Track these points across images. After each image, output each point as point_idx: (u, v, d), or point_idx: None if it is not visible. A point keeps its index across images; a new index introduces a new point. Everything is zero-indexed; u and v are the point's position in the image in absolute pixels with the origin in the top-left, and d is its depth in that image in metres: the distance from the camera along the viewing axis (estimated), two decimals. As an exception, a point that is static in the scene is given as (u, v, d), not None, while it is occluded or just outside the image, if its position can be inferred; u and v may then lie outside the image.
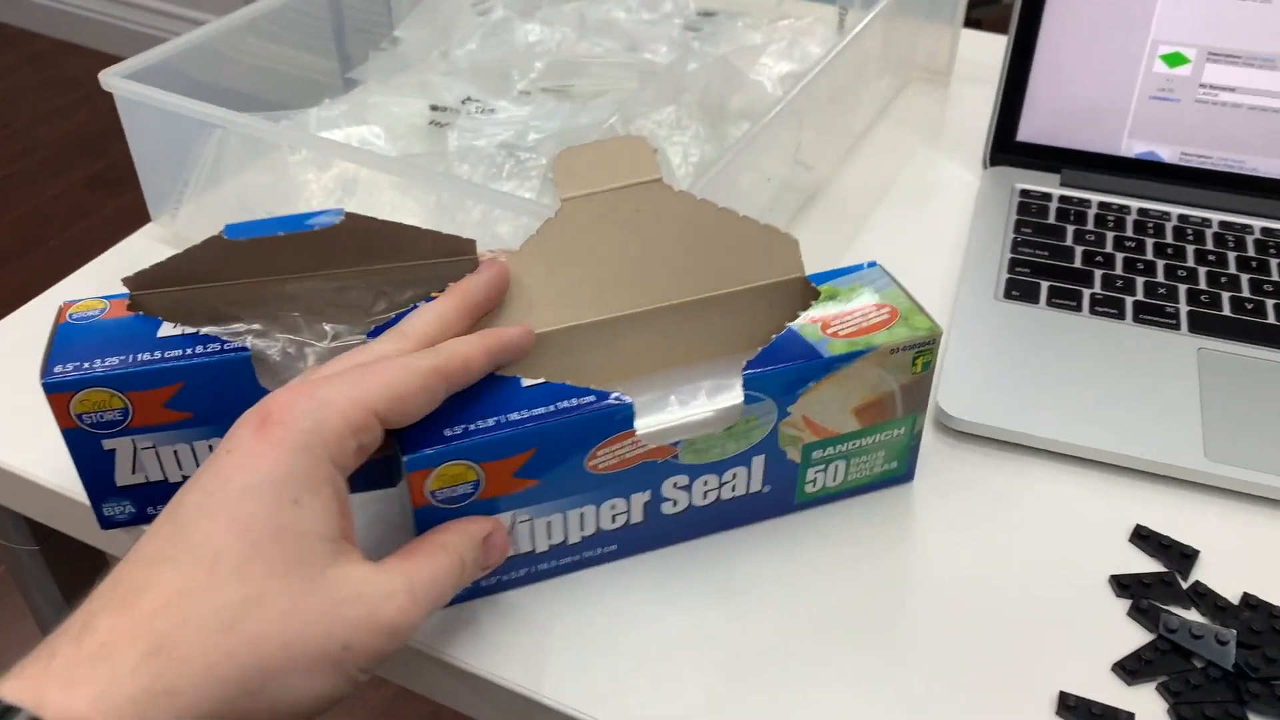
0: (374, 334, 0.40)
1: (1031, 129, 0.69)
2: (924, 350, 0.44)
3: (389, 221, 0.40)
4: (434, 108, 0.67)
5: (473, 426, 0.38)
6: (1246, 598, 0.44)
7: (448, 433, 0.38)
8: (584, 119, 0.62)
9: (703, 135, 0.64)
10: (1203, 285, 0.59)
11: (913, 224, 0.68)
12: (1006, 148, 0.70)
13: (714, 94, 0.66)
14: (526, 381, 0.40)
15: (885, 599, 0.44)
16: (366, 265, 0.42)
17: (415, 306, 0.41)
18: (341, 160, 0.58)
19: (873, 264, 0.47)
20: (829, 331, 0.43)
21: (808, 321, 0.44)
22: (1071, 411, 0.51)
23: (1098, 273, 0.60)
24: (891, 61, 0.81)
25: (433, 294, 0.42)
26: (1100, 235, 0.63)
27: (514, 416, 0.39)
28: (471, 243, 0.42)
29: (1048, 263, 0.61)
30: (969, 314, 0.58)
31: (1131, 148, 0.67)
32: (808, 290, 0.46)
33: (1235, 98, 0.65)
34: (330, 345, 0.43)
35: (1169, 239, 0.63)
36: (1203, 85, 0.65)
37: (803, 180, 0.69)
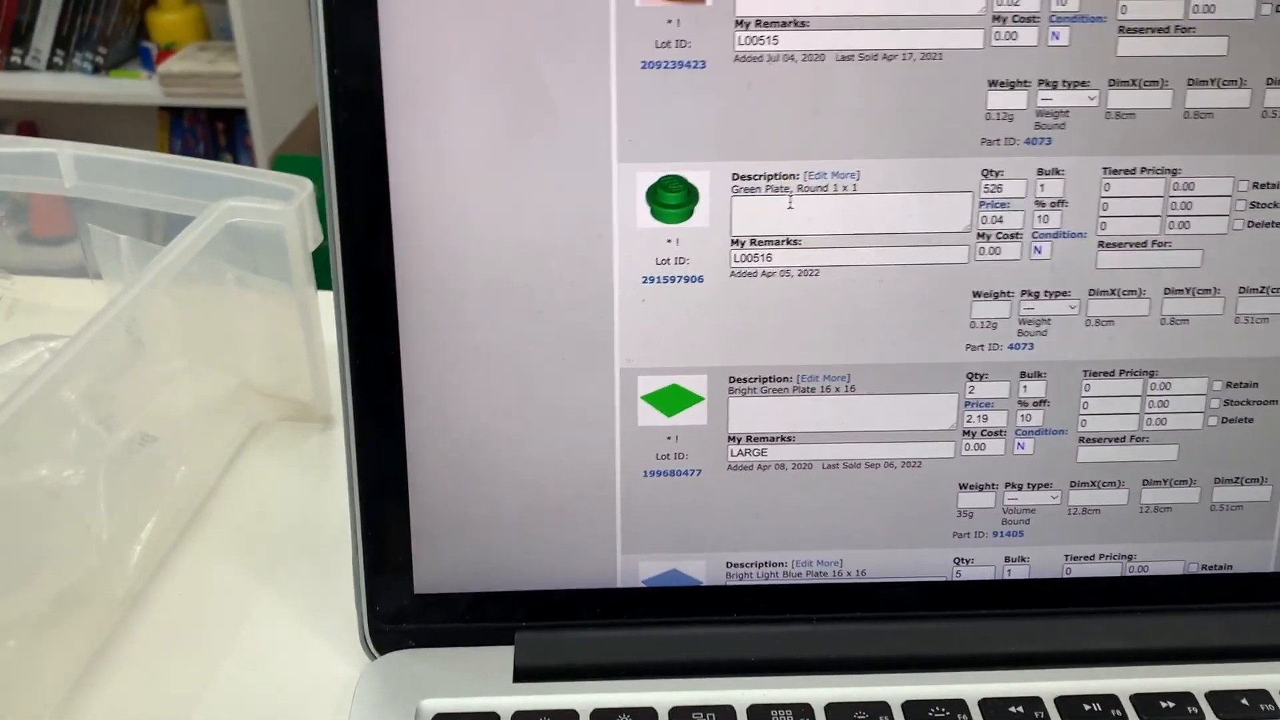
0: None
1: (445, 567, 0.34)
2: None
3: None
4: None
5: None
6: None
7: None
8: None
9: None
10: None
11: None
12: (401, 613, 0.34)
13: None
14: None
15: None
16: None
17: None
18: None
19: None
20: None
21: None
22: None
23: None
24: (205, 425, 0.44)
25: None
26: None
27: None
28: None
29: None
30: None
31: (638, 570, 0.34)
32: None
33: (795, 450, 0.33)
34: None
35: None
36: (734, 438, 0.33)
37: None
